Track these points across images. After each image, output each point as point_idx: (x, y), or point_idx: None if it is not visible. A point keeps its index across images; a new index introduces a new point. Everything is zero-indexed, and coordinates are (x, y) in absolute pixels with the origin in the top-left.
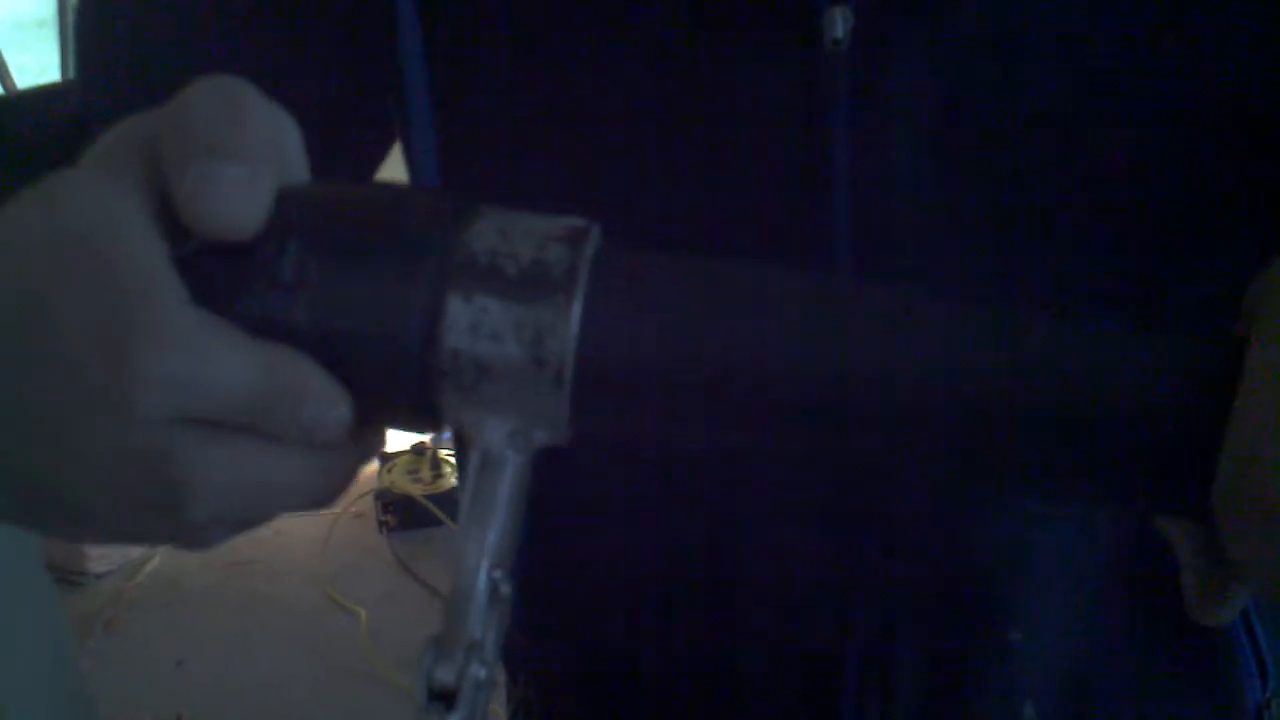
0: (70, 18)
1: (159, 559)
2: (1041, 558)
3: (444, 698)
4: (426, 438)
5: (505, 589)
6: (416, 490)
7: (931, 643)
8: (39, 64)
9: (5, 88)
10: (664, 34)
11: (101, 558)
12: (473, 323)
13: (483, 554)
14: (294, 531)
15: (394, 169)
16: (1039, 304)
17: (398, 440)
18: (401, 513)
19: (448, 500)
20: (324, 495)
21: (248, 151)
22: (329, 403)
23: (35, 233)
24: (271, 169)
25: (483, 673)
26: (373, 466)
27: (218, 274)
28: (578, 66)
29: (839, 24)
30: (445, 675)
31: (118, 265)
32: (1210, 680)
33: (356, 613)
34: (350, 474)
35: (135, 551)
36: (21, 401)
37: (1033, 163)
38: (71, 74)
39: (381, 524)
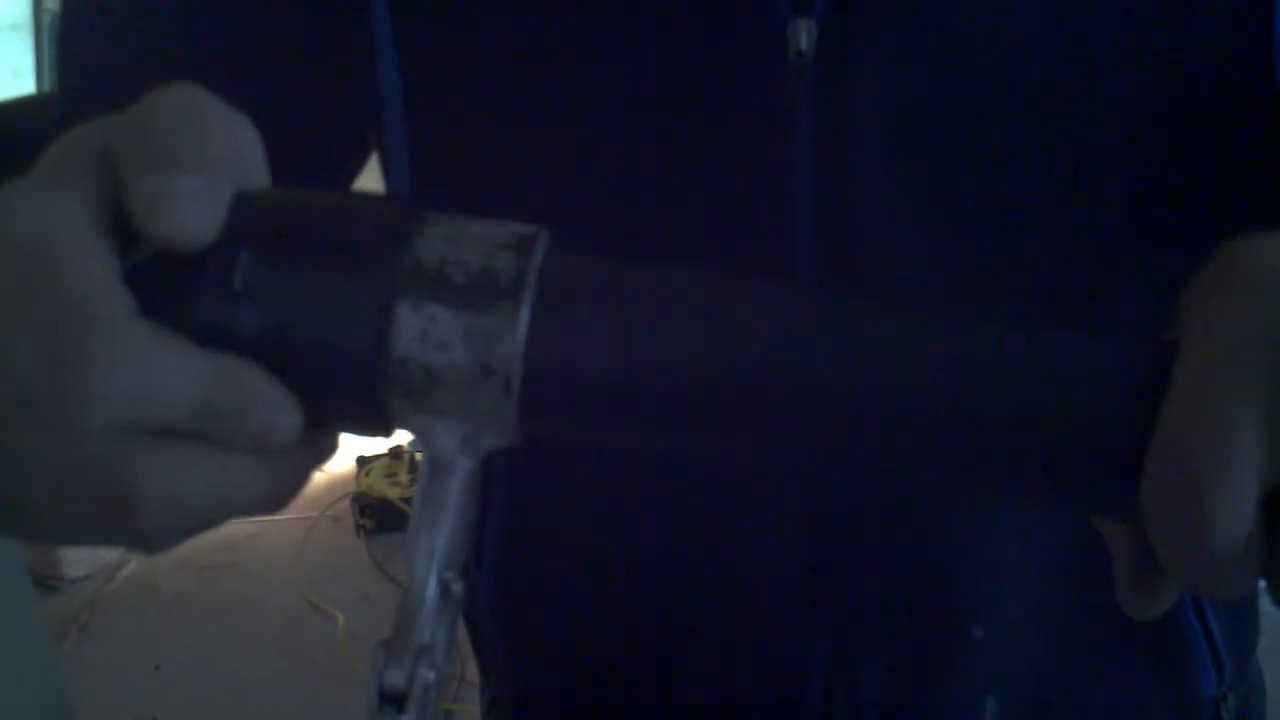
0: (45, 21)
1: (135, 563)
2: (1002, 555)
3: (395, 700)
4: (404, 441)
5: (456, 588)
6: (394, 493)
7: (895, 638)
8: (12, 68)
9: None
10: (630, 44)
11: (77, 562)
12: (422, 331)
13: (433, 558)
14: (271, 534)
15: (370, 181)
16: (980, 311)
17: (375, 444)
18: (378, 516)
19: None
20: (275, 500)
21: (205, 161)
22: (278, 410)
23: None
24: (228, 178)
25: (432, 675)
26: (350, 470)
27: (168, 285)
28: (545, 80)
29: (804, 36)
30: (395, 678)
31: (63, 280)
32: (1167, 672)
33: (334, 615)
34: (302, 479)
35: (111, 555)
36: None
37: (997, 173)
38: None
39: (359, 527)
